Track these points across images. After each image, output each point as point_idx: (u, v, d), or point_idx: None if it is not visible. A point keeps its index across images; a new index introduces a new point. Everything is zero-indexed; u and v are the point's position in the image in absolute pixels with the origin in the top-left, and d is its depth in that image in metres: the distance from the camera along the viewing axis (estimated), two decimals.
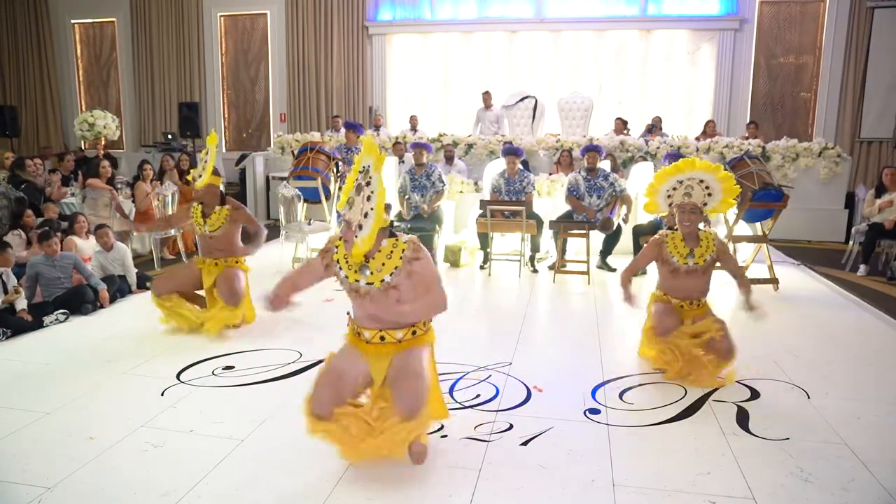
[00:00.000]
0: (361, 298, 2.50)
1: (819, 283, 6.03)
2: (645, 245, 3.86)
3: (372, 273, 2.45)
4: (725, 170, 3.66)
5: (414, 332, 2.57)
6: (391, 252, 2.46)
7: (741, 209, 5.63)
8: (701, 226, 3.68)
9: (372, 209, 2.36)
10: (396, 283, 2.44)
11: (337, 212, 6.79)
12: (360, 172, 2.44)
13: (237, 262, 4.44)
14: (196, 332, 4.34)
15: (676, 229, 3.70)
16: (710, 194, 3.64)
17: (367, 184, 2.38)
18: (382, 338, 2.55)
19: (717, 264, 3.70)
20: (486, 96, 9.91)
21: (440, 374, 3.47)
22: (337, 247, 2.55)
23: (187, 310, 4.35)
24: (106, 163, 6.92)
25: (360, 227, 2.37)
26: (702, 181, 3.62)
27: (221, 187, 4.51)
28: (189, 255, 6.95)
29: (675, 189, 3.70)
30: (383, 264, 2.45)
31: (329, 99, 11.57)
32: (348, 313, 2.65)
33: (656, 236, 3.76)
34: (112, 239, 5.32)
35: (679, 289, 3.68)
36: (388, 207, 2.44)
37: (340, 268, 2.51)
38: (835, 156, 8.21)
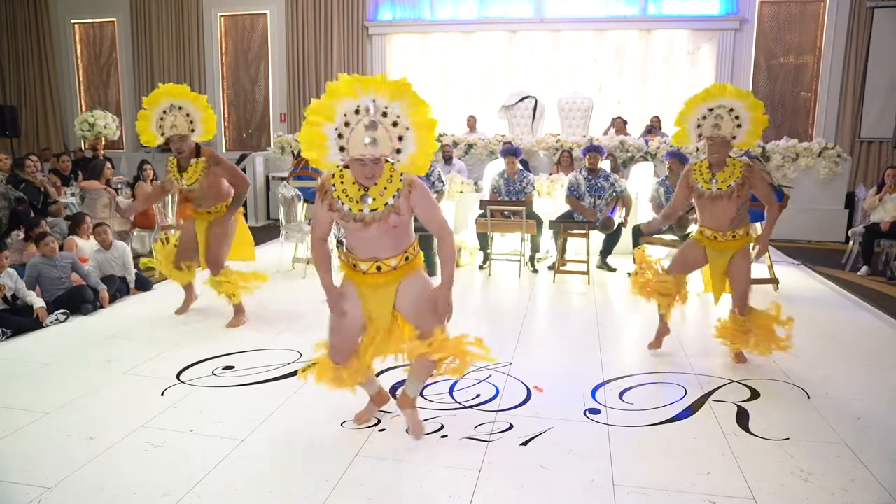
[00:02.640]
0: (365, 229, 2.54)
1: (819, 283, 6.03)
2: (677, 186, 3.91)
3: (374, 199, 2.51)
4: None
5: (407, 259, 2.64)
6: (390, 176, 2.53)
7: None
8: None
9: (408, 129, 2.43)
10: (398, 205, 2.52)
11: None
12: (353, 114, 2.37)
13: (226, 208, 4.40)
14: (197, 330, 4.35)
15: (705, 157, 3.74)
16: (739, 125, 3.57)
17: (384, 115, 2.40)
18: (379, 268, 2.62)
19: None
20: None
21: (442, 374, 3.48)
22: (334, 185, 2.56)
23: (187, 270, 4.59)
24: (109, 164, 6.96)
25: (399, 151, 2.46)
26: (731, 110, 3.57)
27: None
28: None
29: (704, 118, 3.61)
30: (385, 188, 2.52)
31: None
32: (340, 245, 2.72)
33: (685, 169, 3.81)
34: (110, 237, 5.31)
35: (708, 217, 3.73)
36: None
37: (343, 203, 2.54)
38: (835, 156, 8.22)
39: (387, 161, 2.52)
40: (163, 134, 4.20)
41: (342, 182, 2.56)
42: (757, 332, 3.66)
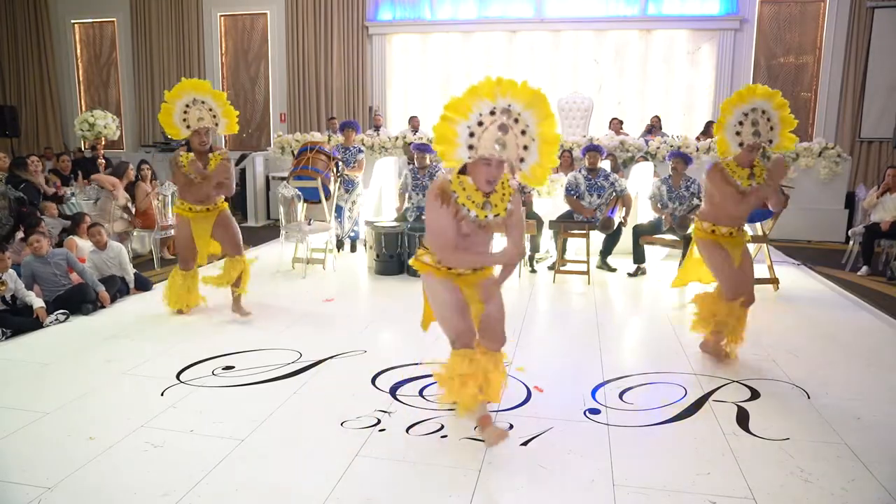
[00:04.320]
0: (482, 234, 2.65)
1: (819, 283, 6.03)
2: (707, 181, 3.78)
3: (496, 205, 2.62)
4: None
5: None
6: (502, 182, 2.63)
7: None
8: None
9: (533, 140, 2.49)
10: (513, 210, 2.66)
11: (339, 206, 6.79)
12: (489, 115, 2.44)
13: (223, 203, 4.59)
14: (197, 330, 4.35)
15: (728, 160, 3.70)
16: (771, 128, 3.57)
17: (516, 121, 2.46)
18: (475, 269, 2.73)
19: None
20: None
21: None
22: (455, 192, 2.58)
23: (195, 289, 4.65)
24: (131, 166, 7.06)
25: (522, 160, 2.51)
26: (764, 112, 3.55)
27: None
28: None
29: (741, 124, 3.59)
30: (503, 195, 2.64)
31: (329, 99, 11.57)
32: (423, 247, 2.75)
33: (714, 165, 3.72)
34: (105, 237, 5.30)
35: (735, 216, 3.73)
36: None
37: (469, 209, 2.58)
38: (835, 156, 8.21)
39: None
40: (188, 127, 4.26)
41: (464, 189, 2.59)
42: (735, 324, 3.75)
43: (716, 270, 3.83)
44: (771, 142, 3.58)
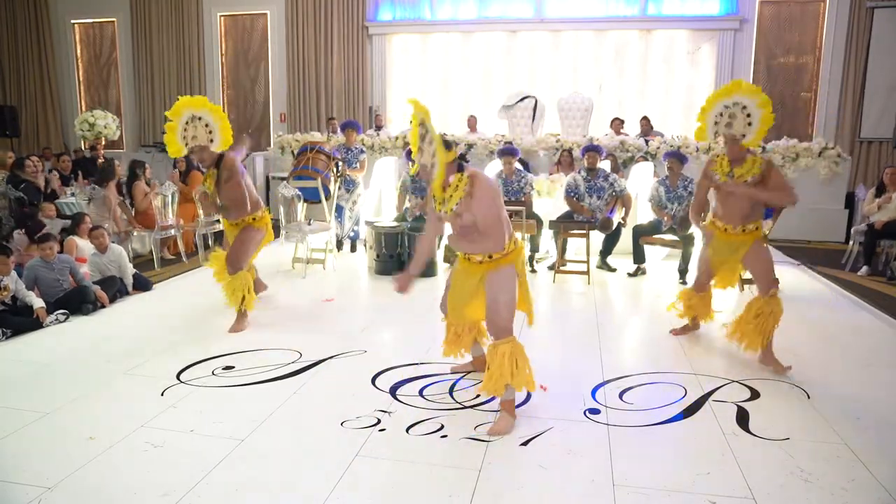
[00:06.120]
0: (457, 226, 2.99)
1: (819, 283, 6.03)
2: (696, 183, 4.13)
3: (441, 203, 2.97)
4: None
5: (490, 256, 3.00)
6: (457, 185, 2.92)
7: None
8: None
9: (433, 153, 2.84)
10: (461, 211, 2.91)
11: (339, 206, 6.79)
12: (419, 126, 2.89)
13: (254, 220, 4.42)
14: (197, 330, 4.35)
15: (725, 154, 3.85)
16: (750, 123, 3.67)
17: (424, 135, 2.86)
18: (468, 258, 3.08)
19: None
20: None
21: (443, 374, 3.49)
22: (434, 193, 3.00)
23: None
24: (118, 162, 7.00)
25: (433, 166, 2.84)
26: (745, 107, 3.67)
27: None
28: (189, 254, 6.95)
29: (721, 115, 3.75)
30: (451, 196, 2.93)
31: (329, 99, 11.57)
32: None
33: (707, 160, 3.98)
34: (107, 240, 5.29)
35: (721, 209, 3.84)
36: (449, 144, 2.89)
37: (435, 204, 3.01)
38: (835, 156, 8.21)
39: (460, 170, 2.92)
40: (186, 145, 4.24)
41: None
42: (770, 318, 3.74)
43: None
44: (744, 136, 3.68)
